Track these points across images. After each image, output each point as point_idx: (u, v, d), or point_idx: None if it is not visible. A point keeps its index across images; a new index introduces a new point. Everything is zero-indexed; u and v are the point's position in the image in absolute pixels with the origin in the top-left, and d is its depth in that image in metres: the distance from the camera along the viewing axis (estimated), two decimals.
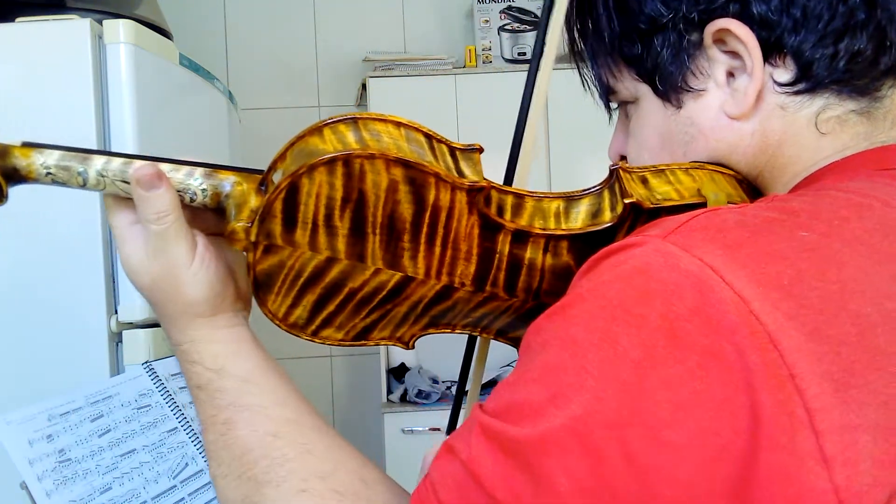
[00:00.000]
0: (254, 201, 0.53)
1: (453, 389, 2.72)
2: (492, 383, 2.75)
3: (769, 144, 0.53)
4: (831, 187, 0.48)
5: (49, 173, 0.54)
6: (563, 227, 0.52)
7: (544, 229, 0.52)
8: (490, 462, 0.42)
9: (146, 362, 0.98)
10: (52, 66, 1.18)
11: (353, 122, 0.51)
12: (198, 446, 0.93)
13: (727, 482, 0.37)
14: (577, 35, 0.60)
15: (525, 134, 0.58)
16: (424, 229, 0.51)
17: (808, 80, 0.51)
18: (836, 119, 0.52)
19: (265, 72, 3.06)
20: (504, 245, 0.52)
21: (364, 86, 2.81)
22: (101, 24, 1.20)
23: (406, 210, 0.51)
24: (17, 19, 1.19)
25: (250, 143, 2.85)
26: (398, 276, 0.53)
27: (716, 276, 0.39)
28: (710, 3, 0.52)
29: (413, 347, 0.59)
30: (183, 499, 0.88)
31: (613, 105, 0.62)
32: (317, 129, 0.51)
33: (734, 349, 0.37)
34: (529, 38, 2.85)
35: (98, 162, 0.54)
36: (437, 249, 0.52)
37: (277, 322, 0.56)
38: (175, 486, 0.88)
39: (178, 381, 0.99)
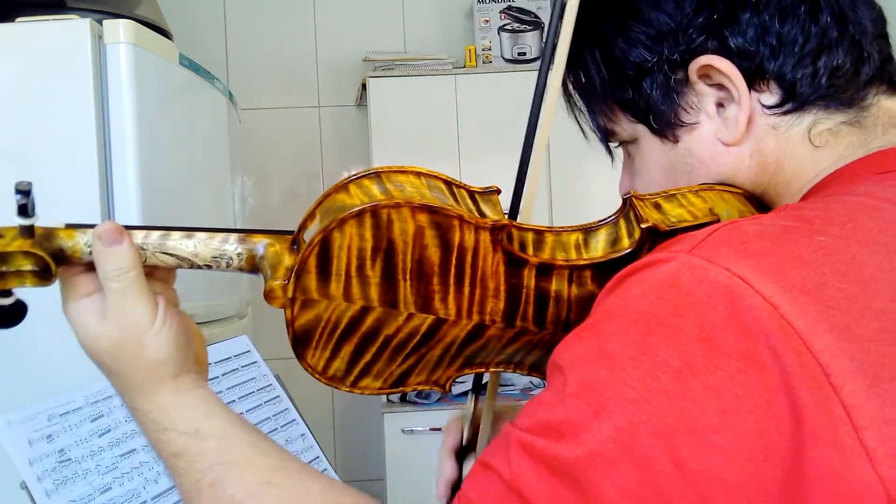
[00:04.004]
0: (287, 260, 0.55)
1: (453, 389, 2.72)
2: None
3: (768, 163, 0.56)
4: (840, 192, 0.50)
5: (92, 251, 0.55)
6: (585, 256, 0.55)
7: (567, 260, 0.54)
8: (534, 479, 0.42)
9: None
10: (52, 66, 1.18)
11: (377, 175, 0.54)
12: None
13: (776, 481, 0.39)
14: (570, 86, 0.63)
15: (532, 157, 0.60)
16: (452, 271, 0.54)
17: (794, 100, 0.54)
18: (828, 132, 0.54)
19: (265, 72, 3.06)
20: (530, 279, 0.55)
21: (364, 86, 2.81)
22: (101, 24, 1.20)
23: (434, 254, 0.53)
24: (17, 19, 1.19)
25: (250, 143, 2.85)
26: (430, 318, 0.56)
27: (744, 285, 0.40)
28: (689, 43, 0.54)
29: (450, 391, 0.62)
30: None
31: (614, 145, 0.65)
32: (342, 186, 0.54)
33: (770, 353, 0.39)
34: (529, 38, 2.85)
35: (137, 237, 0.56)
36: (466, 289, 0.55)
37: (317, 376, 0.58)
38: (175, 486, 0.88)
39: None
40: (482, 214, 0.54)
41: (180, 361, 0.56)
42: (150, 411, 0.55)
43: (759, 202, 0.58)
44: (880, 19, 0.56)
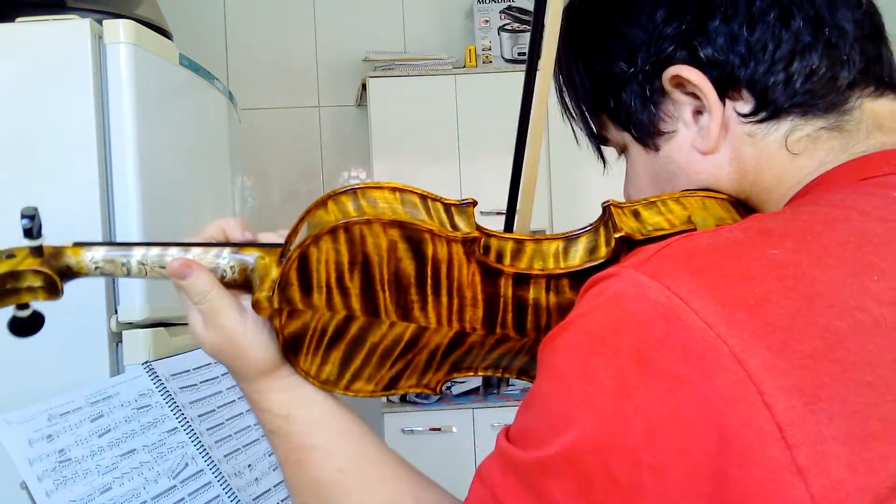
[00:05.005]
0: (275, 272, 0.58)
1: (453, 390, 2.73)
2: (486, 383, 2.76)
3: (747, 170, 0.56)
4: (811, 202, 0.50)
5: (97, 267, 0.60)
6: (562, 265, 0.56)
7: (543, 270, 0.55)
8: (507, 487, 0.46)
9: (146, 362, 0.98)
10: (52, 66, 1.18)
11: (353, 192, 0.56)
12: (198, 446, 0.93)
13: (704, 498, 0.40)
14: (564, 96, 0.65)
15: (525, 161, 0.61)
16: (429, 282, 0.55)
17: (768, 108, 0.54)
18: (806, 138, 0.54)
19: (265, 72, 3.06)
20: (507, 288, 0.56)
21: (364, 86, 2.81)
22: (101, 24, 1.20)
23: (408, 266, 0.55)
24: (17, 19, 1.19)
25: (250, 143, 2.85)
26: (412, 327, 0.57)
27: (682, 304, 0.41)
28: (660, 54, 0.55)
29: (441, 393, 0.64)
30: (183, 499, 0.88)
31: (607, 150, 0.67)
32: (322, 203, 0.57)
33: (700, 374, 0.40)
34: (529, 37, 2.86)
35: (138, 253, 0.60)
36: (444, 299, 0.56)
37: (311, 379, 0.60)
38: (175, 486, 0.88)
39: (178, 381, 0.99)
40: (455, 227, 0.55)
41: (275, 357, 0.60)
42: (251, 393, 0.62)
43: (746, 207, 0.58)
44: (867, 19, 0.55)
